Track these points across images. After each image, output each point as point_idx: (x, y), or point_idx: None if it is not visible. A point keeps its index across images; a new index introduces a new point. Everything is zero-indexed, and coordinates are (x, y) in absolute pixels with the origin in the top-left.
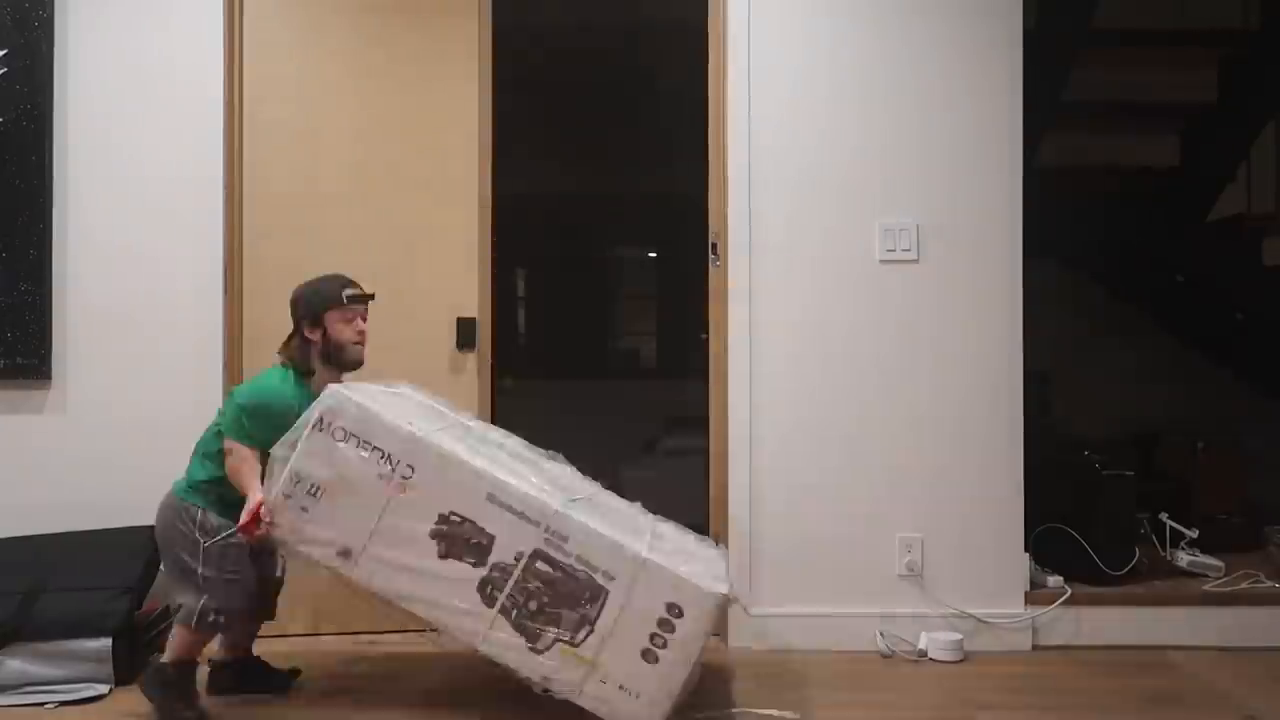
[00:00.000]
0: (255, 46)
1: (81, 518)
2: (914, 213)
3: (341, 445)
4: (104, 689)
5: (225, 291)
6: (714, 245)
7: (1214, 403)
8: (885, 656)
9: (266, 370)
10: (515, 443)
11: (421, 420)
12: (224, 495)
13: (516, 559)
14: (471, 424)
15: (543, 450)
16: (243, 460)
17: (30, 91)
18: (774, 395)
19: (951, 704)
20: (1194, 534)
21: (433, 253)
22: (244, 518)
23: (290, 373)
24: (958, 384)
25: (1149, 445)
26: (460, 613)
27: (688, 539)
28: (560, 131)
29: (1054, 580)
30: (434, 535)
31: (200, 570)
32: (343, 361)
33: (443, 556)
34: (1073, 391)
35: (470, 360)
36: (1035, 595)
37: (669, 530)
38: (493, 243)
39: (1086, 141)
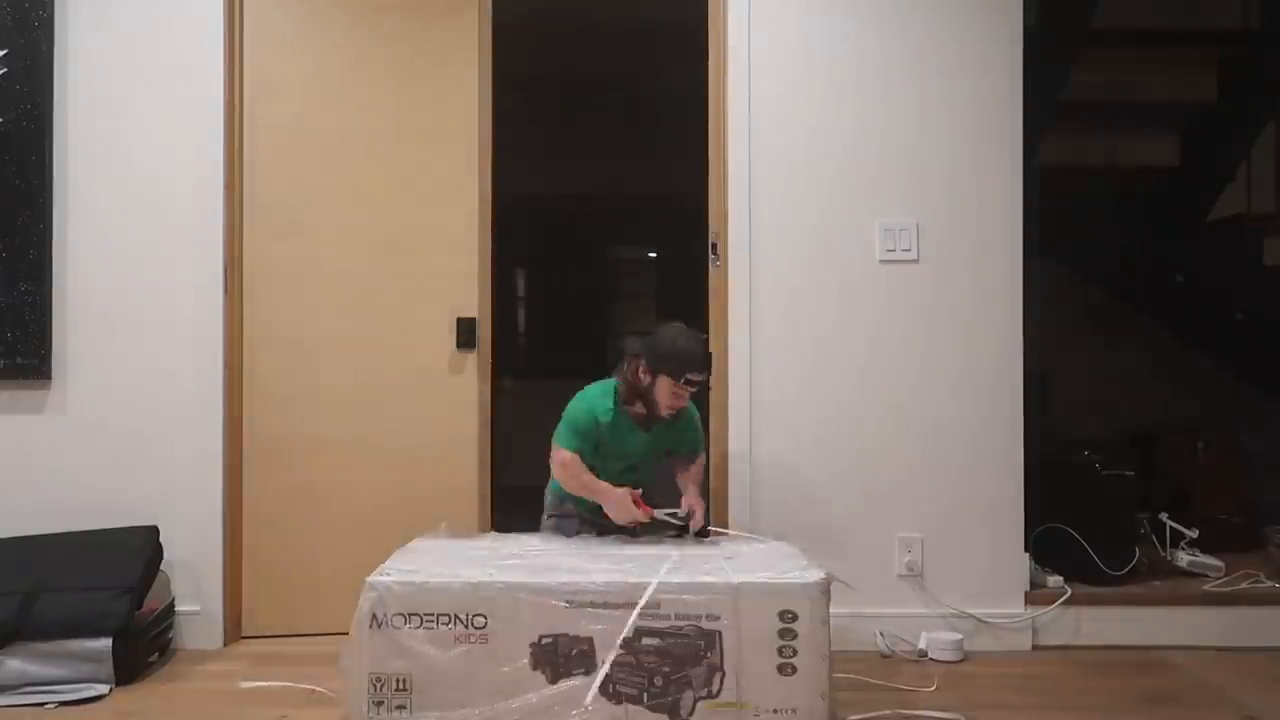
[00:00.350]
0: (255, 46)
1: (81, 518)
2: (914, 213)
3: (404, 630)
4: (104, 689)
5: (225, 291)
6: (714, 245)
7: (1214, 402)
8: (885, 656)
9: (607, 381)
10: (548, 541)
11: (465, 559)
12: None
13: (623, 647)
14: (497, 542)
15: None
16: (563, 465)
17: (30, 91)
18: (774, 395)
19: (951, 704)
20: (1194, 534)
21: (433, 253)
22: (631, 514)
23: (614, 392)
24: (958, 384)
25: (1149, 445)
26: None
27: (756, 545)
28: (560, 131)
29: (1054, 580)
30: (535, 665)
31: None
32: (650, 412)
33: (553, 681)
34: (1073, 391)
35: (470, 360)
36: (1035, 595)
37: (736, 547)
38: (493, 243)
39: (1086, 141)
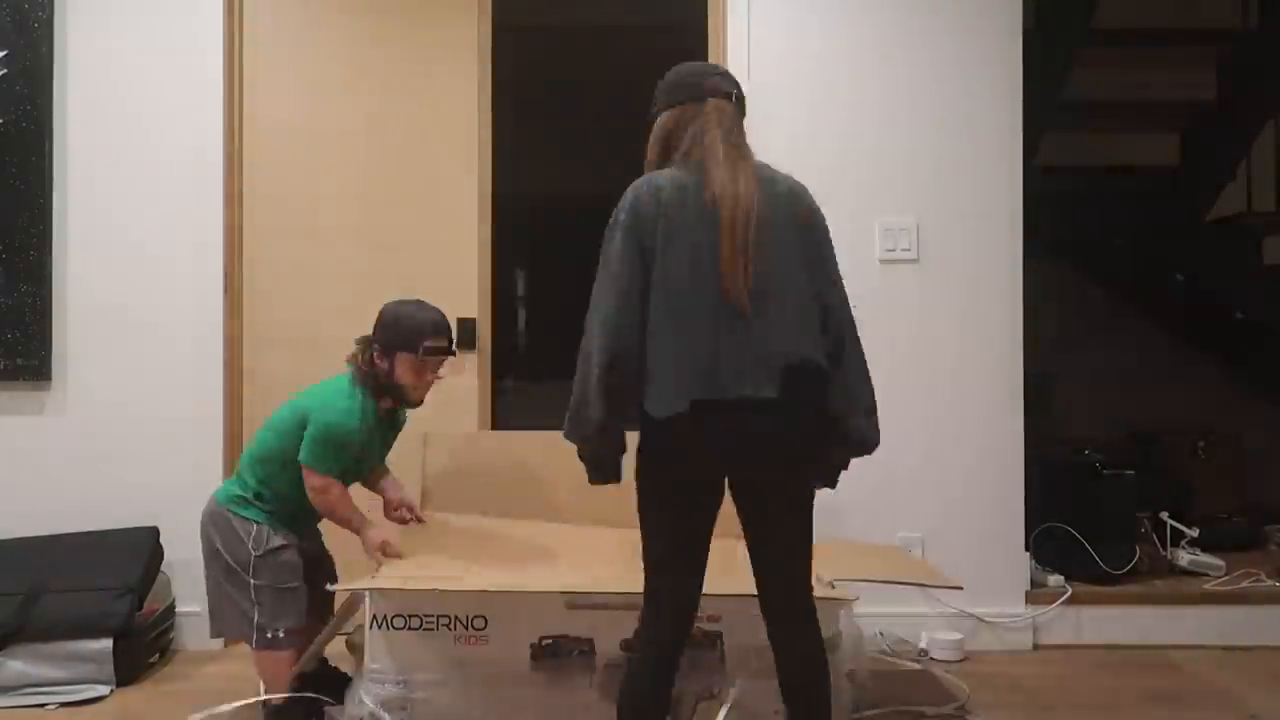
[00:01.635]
0: (256, 46)
1: (82, 518)
2: (914, 212)
3: (403, 633)
4: (105, 690)
5: (225, 291)
6: None
7: (1214, 402)
8: (886, 656)
9: (338, 380)
10: (548, 541)
11: (465, 560)
12: (277, 508)
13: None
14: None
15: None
16: (336, 496)
17: (30, 93)
18: None
19: (953, 704)
20: (1194, 533)
21: (433, 253)
22: (377, 556)
23: (359, 391)
24: (958, 384)
25: (1149, 444)
26: None
27: None
28: (560, 131)
29: (1055, 580)
30: (535, 666)
31: (252, 582)
32: (400, 400)
33: (553, 682)
34: (1073, 391)
35: (470, 360)
36: (1036, 595)
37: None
38: (493, 243)
39: (1086, 141)
